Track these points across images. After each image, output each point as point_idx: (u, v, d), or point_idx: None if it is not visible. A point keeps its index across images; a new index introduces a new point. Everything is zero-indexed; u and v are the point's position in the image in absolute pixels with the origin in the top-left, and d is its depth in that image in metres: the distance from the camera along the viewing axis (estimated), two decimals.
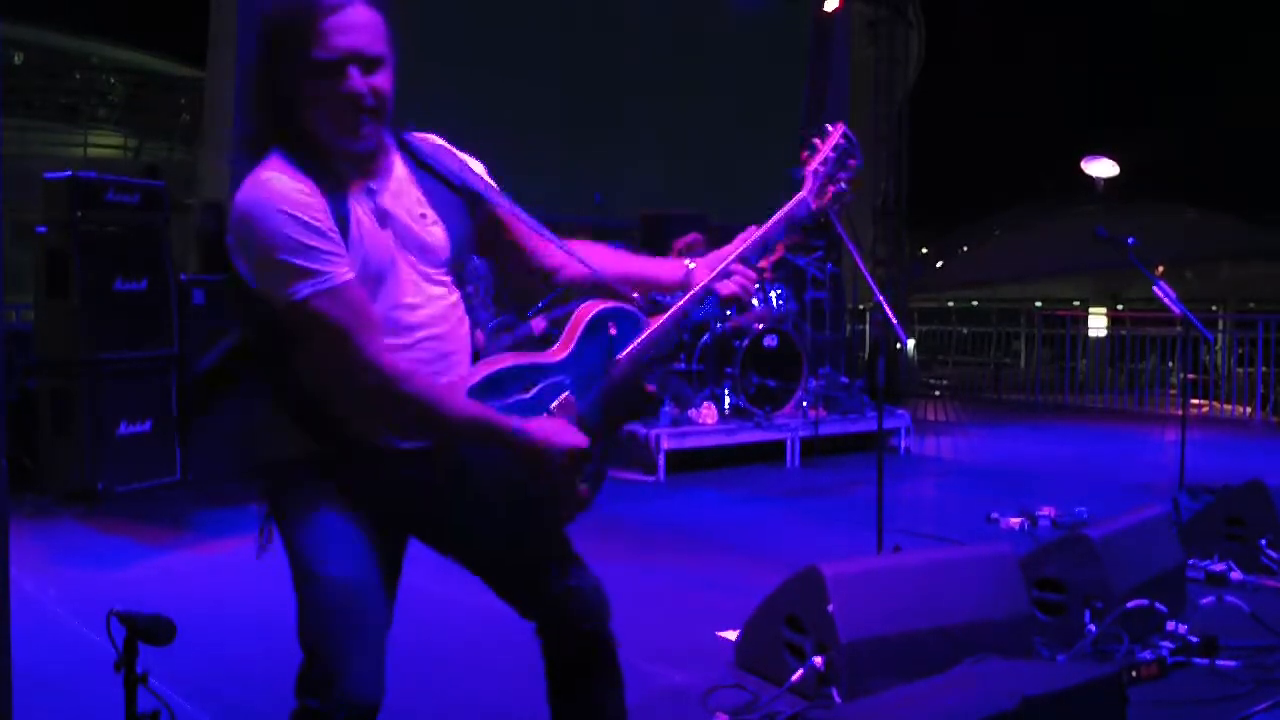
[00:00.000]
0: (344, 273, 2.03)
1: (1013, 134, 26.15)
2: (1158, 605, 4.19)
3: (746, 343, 8.55)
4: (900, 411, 9.74)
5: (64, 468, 6.80)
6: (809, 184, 2.45)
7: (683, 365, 8.68)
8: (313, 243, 2.00)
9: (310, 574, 2.17)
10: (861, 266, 5.38)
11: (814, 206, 2.45)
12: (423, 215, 2.20)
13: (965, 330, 17.63)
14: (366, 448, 2.15)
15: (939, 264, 26.78)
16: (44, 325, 7.05)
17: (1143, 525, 4.64)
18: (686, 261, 2.46)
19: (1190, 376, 11.94)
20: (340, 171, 2.11)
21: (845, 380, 9.78)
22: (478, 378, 2.18)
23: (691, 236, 8.79)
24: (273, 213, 1.99)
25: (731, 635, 4.19)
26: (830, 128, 2.48)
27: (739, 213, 11.60)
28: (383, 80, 2.08)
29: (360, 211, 2.10)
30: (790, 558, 5.17)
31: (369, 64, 2.06)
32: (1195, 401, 12.96)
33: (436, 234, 2.21)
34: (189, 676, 3.84)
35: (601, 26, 11.44)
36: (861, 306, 14.79)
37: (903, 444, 9.45)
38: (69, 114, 19.56)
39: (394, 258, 2.14)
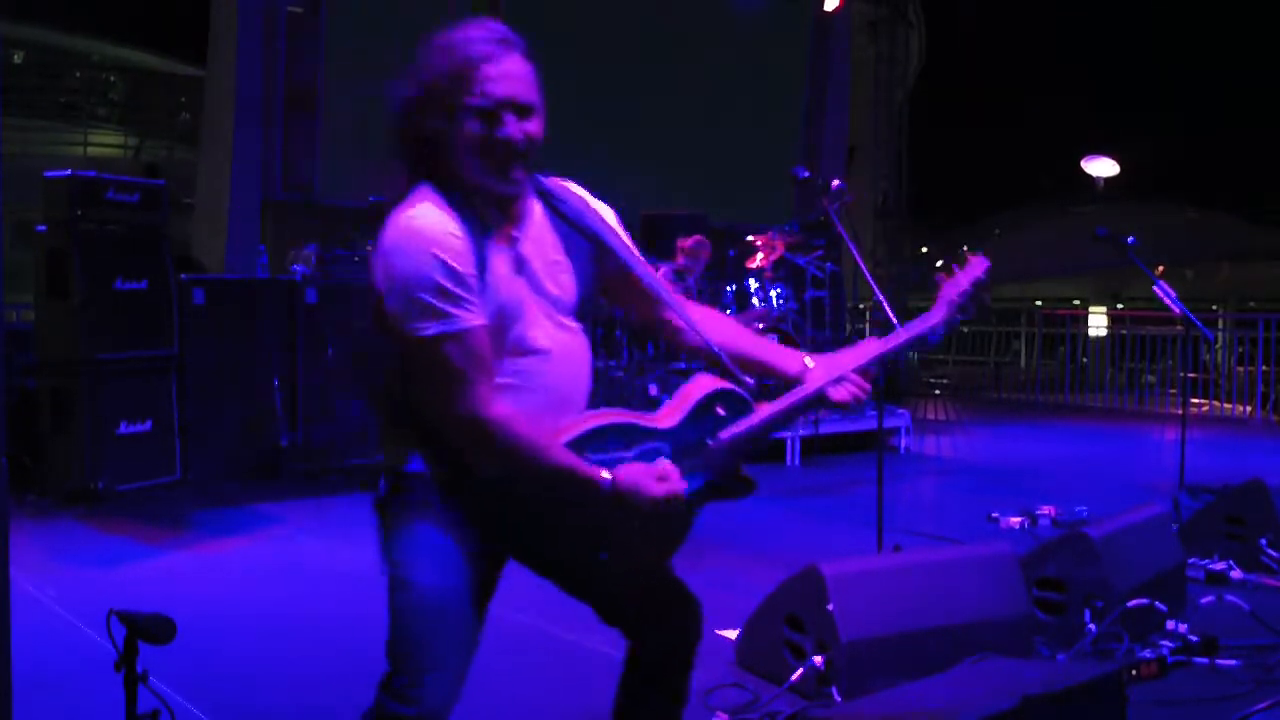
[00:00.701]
0: (474, 319, 2.11)
1: (1013, 133, 26.15)
2: (1158, 604, 4.19)
3: None
4: (900, 411, 9.74)
5: (64, 467, 6.80)
6: (941, 310, 2.46)
7: (683, 364, 8.68)
8: (451, 287, 2.08)
9: (403, 581, 2.22)
10: (861, 265, 5.38)
11: (941, 332, 2.47)
12: (556, 262, 2.28)
13: (965, 329, 17.61)
14: (476, 474, 2.21)
15: (939, 263, 26.77)
16: (44, 325, 7.04)
17: (1143, 524, 4.64)
18: (806, 359, 2.47)
19: (1190, 375, 11.94)
20: (485, 214, 2.19)
21: None
22: (582, 429, 2.23)
23: (696, 239, 8.80)
24: (420, 251, 2.08)
25: (731, 634, 4.19)
26: (971, 258, 2.49)
27: (739, 213, 11.58)
28: (534, 127, 2.18)
29: (499, 257, 2.18)
30: (790, 557, 5.17)
31: (523, 111, 2.16)
32: (1195, 400, 12.96)
33: (566, 282, 2.29)
34: (189, 676, 3.84)
35: (602, 26, 11.44)
36: (861, 305, 14.79)
37: (903, 443, 9.45)
38: (69, 113, 19.54)
39: (527, 303, 2.21)
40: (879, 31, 14.77)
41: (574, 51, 11.05)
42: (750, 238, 9.29)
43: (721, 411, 2.38)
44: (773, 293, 8.95)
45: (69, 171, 6.91)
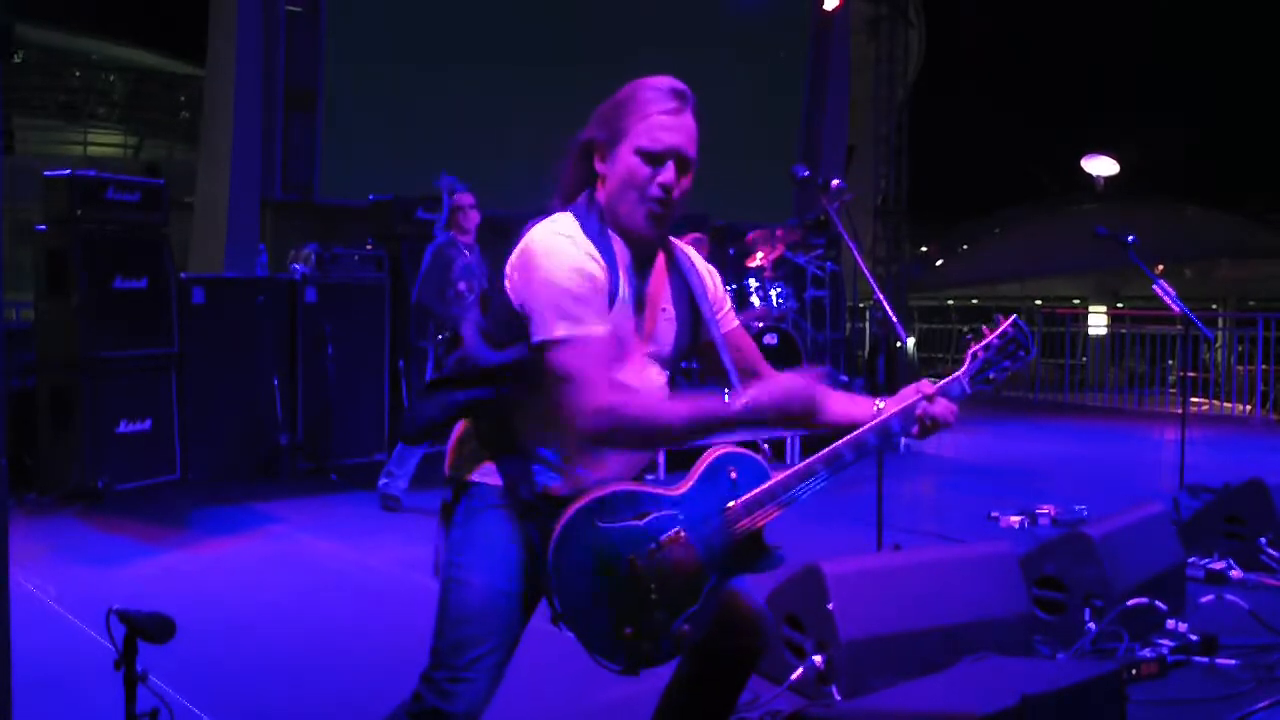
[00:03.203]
0: (600, 327, 2.25)
1: (1013, 132, 26.14)
2: (1157, 603, 4.19)
3: None
4: None
5: (64, 466, 6.80)
6: (967, 364, 2.44)
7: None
8: (588, 294, 2.24)
9: (460, 580, 2.34)
10: (861, 264, 5.37)
11: (968, 389, 2.43)
12: (664, 310, 2.44)
13: (965, 328, 17.61)
14: (549, 498, 2.33)
15: (939, 262, 26.78)
16: (44, 323, 7.05)
17: (1142, 523, 4.64)
18: (878, 403, 2.45)
19: (1190, 374, 11.95)
20: (622, 250, 2.35)
21: (845, 378, 9.79)
22: (589, 498, 2.29)
23: (692, 236, 8.79)
24: (565, 259, 2.24)
25: None
26: (1001, 317, 2.47)
27: (739, 211, 11.54)
28: (687, 182, 2.35)
29: (626, 292, 2.33)
30: (790, 556, 5.16)
31: (683, 164, 2.33)
32: (1195, 400, 12.96)
33: (668, 332, 2.45)
34: (189, 675, 3.84)
35: (601, 24, 11.45)
36: (861, 305, 14.79)
37: (902, 442, 9.45)
38: (69, 112, 19.55)
39: (634, 342, 2.37)
40: (879, 30, 14.77)
41: (574, 51, 11.06)
42: (750, 236, 9.29)
43: (734, 475, 2.41)
44: (773, 291, 8.95)
45: (69, 171, 6.91)
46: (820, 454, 2.37)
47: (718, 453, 2.42)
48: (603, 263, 2.28)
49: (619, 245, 2.35)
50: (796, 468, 2.38)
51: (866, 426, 2.38)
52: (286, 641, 4.46)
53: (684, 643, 2.38)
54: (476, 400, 2.37)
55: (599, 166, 2.36)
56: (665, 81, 2.35)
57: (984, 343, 2.44)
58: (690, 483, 2.40)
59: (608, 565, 2.29)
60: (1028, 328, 2.44)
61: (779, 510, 2.39)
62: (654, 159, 2.30)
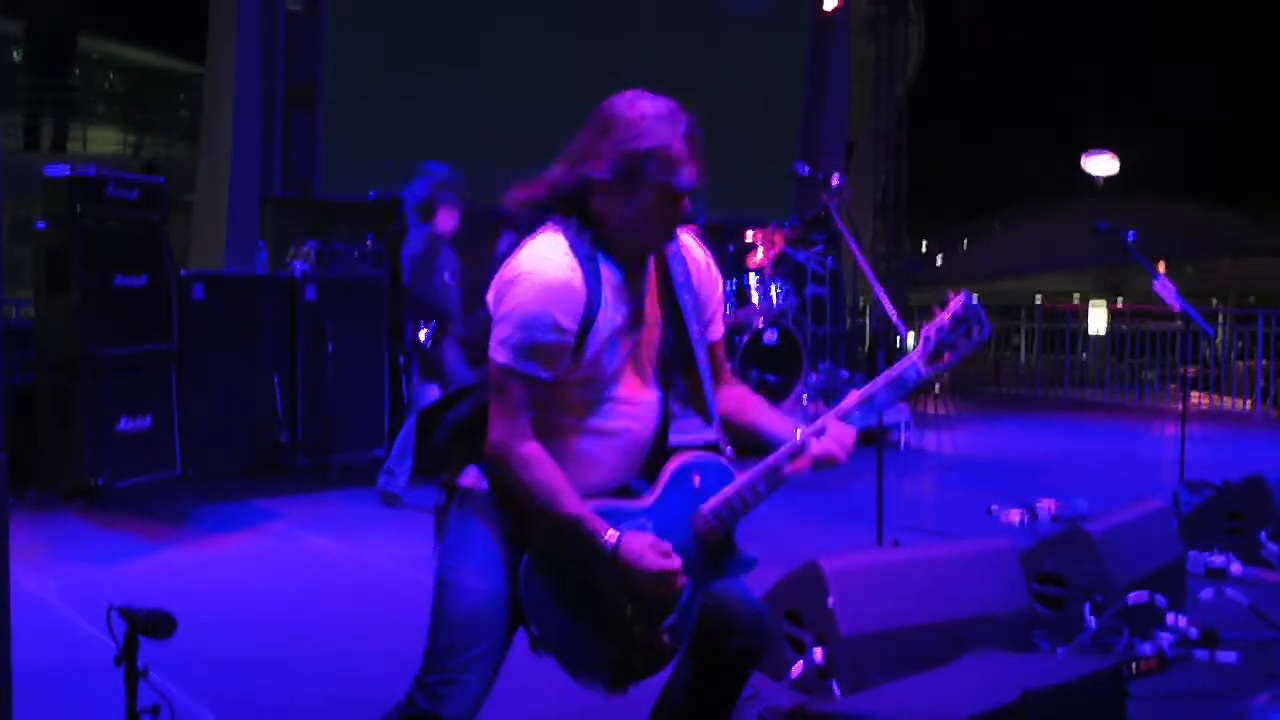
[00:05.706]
0: (545, 374, 2.28)
1: (1013, 129, 26.14)
2: (1158, 599, 4.20)
3: (747, 338, 8.55)
4: (900, 406, 9.73)
5: (64, 463, 6.80)
6: (920, 348, 2.41)
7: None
8: (543, 342, 2.26)
9: (452, 584, 2.37)
10: (861, 261, 5.37)
11: (924, 372, 2.40)
12: (654, 325, 2.46)
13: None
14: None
15: (939, 259, 26.81)
16: (44, 321, 7.04)
17: (1143, 519, 4.65)
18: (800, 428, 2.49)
19: (1190, 371, 11.94)
20: (611, 272, 2.36)
21: (845, 375, 9.78)
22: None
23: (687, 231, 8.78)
24: (538, 299, 2.26)
25: None
26: (951, 296, 2.42)
27: (739, 209, 11.52)
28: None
29: (612, 302, 2.35)
30: (790, 552, 5.17)
31: (694, 198, 2.39)
32: (1195, 396, 12.96)
33: (654, 338, 2.46)
34: (190, 671, 3.84)
35: (601, 23, 11.43)
36: (861, 302, 14.79)
37: (902, 438, 9.44)
38: (68, 110, 19.52)
39: (625, 355, 2.40)
40: (879, 29, 14.76)
41: (573, 48, 11.05)
42: (750, 234, 9.28)
43: (698, 482, 2.41)
44: (773, 289, 8.95)
45: (68, 168, 6.91)
46: (783, 448, 2.40)
47: (681, 460, 2.42)
48: (583, 287, 2.29)
49: (607, 268, 2.36)
50: (761, 466, 2.39)
51: (842, 406, 2.43)
52: (287, 638, 4.46)
53: (667, 654, 2.39)
54: (470, 415, 2.39)
55: (607, 197, 2.35)
56: (683, 119, 2.39)
57: (935, 324, 2.40)
58: (656, 493, 2.39)
59: (580, 586, 2.30)
60: (979, 305, 2.39)
61: (747, 511, 2.40)
62: (680, 196, 2.35)
